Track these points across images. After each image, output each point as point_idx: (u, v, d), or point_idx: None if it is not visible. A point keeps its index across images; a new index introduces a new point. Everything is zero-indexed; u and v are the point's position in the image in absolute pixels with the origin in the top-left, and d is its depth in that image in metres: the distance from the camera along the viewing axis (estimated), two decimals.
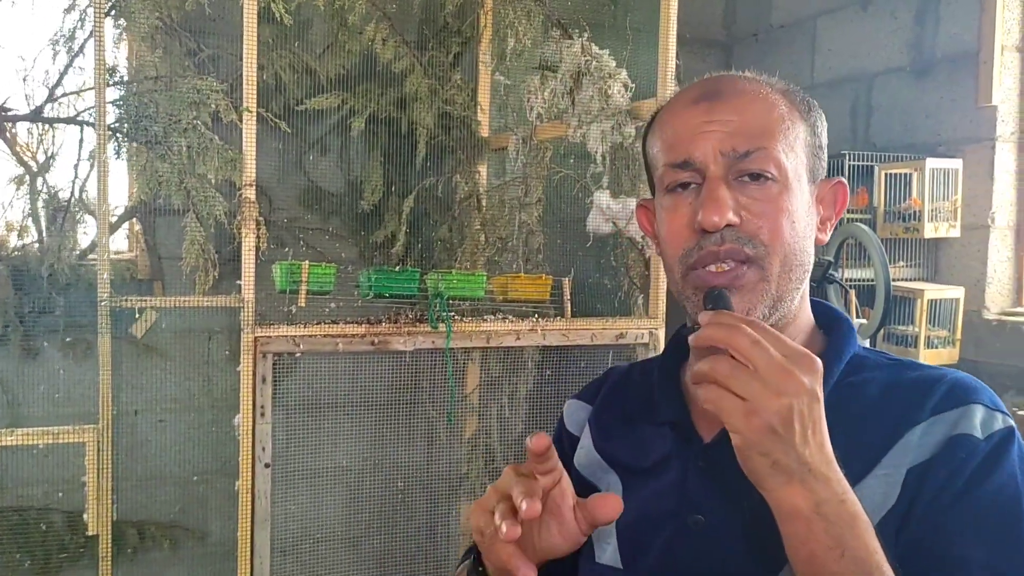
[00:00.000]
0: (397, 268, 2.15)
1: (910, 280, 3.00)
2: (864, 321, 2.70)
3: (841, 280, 2.78)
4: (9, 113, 2.28)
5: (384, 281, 2.03)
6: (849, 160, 2.99)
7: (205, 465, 3.15)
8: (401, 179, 3.18)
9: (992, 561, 0.73)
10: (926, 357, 2.88)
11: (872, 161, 3.01)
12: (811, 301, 0.94)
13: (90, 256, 2.93)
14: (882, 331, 2.97)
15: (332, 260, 3.26)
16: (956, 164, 2.87)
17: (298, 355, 1.94)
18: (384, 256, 3.10)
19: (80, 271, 2.86)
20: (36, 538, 2.91)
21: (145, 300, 2.05)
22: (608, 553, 0.90)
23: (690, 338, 0.75)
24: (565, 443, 1.04)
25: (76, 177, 2.69)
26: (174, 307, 2.09)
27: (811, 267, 0.89)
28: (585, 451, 1.00)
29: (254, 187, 1.89)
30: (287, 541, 2.42)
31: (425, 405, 2.59)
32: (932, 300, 2.85)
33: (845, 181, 0.92)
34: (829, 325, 0.93)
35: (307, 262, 1.95)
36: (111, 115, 1.99)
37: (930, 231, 2.85)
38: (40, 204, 2.78)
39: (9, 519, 2.94)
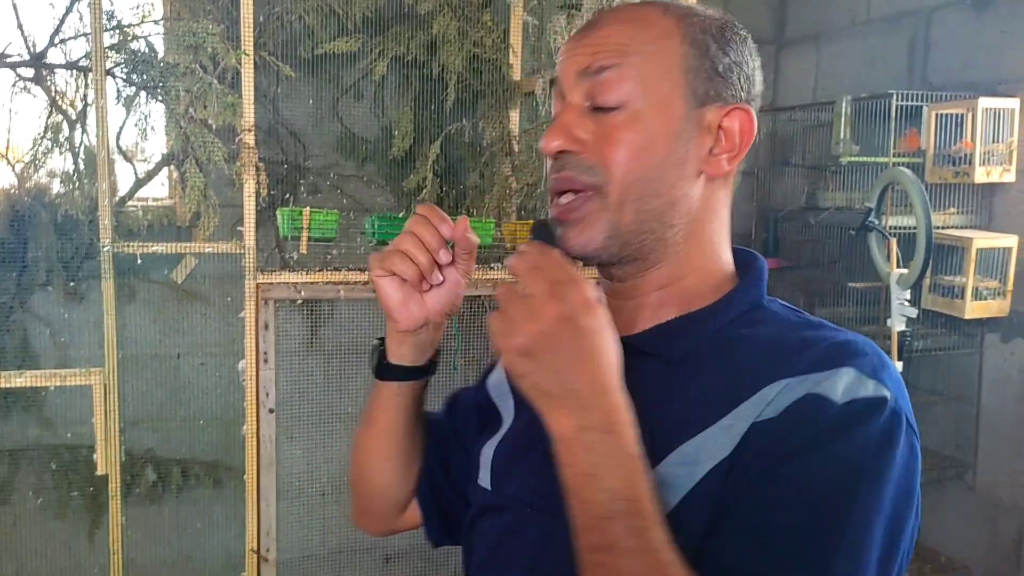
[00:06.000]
0: (401, 215, 2.13)
1: (960, 228, 2.84)
2: (905, 271, 2.57)
3: (882, 228, 2.65)
4: (9, 59, 2.30)
5: (388, 228, 2.01)
6: (897, 100, 2.84)
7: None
8: (434, 125, 3.14)
9: (801, 546, 0.68)
10: (974, 308, 2.75)
11: (922, 101, 2.84)
12: (735, 248, 0.88)
13: (128, 203, 3.00)
14: (928, 281, 2.84)
15: (368, 207, 3.27)
16: (1012, 104, 2.70)
17: (299, 302, 1.94)
18: (417, 203, 3.07)
19: (120, 217, 2.92)
20: (85, 473, 3.03)
21: (146, 246, 2.07)
22: (484, 474, 0.92)
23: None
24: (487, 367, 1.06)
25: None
26: (174, 252, 2.10)
27: (684, 202, 0.81)
28: (498, 374, 1.00)
29: (253, 132, 1.88)
30: (293, 486, 2.47)
31: None
32: (982, 249, 2.70)
33: (747, 107, 0.83)
34: (742, 274, 0.88)
35: (308, 208, 1.95)
36: (111, 60, 2.00)
37: (981, 175, 2.69)
38: (80, 152, 2.84)
39: (63, 457, 3.08)
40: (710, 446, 0.73)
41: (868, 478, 0.70)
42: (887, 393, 0.73)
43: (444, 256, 0.86)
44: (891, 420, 0.72)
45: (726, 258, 0.86)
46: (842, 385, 0.72)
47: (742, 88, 0.82)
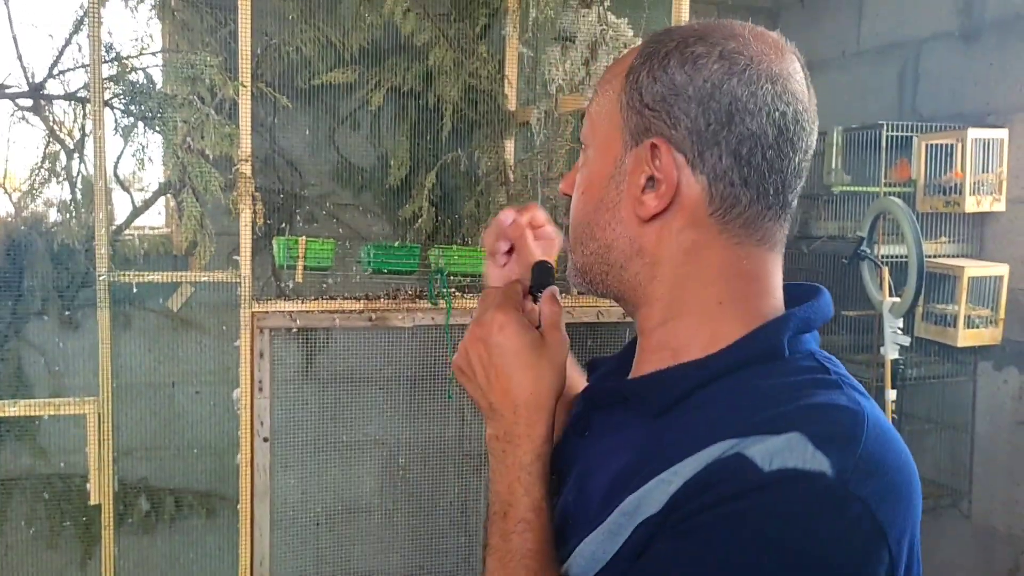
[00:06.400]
0: (396, 244, 2.14)
1: (951, 257, 2.87)
2: (897, 299, 2.59)
3: (875, 256, 2.67)
4: (8, 90, 2.33)
5: (383, 257, 2.03)
6: (887, 130, 2.87)
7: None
8: (430, 154, 3.17)
9: None
10: (966, 336, 2.76)
11: (912, 132, 2.87)
12: (790, 287, 0.81)
13: (125, 232, 3.01)
14: (920, 309, 2.85)
15: (364, 236, 3.28)
16: (1001, 134, 2.73)
17: (295, 330, 1.95)
18: (414, 232, 3.09)
19: (116, 246, 2.93)
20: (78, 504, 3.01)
21: (143, 275, 2.08)
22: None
23: None
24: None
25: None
26: (170, 281, 2.11)
27: (624, 245, 0.76)
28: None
29: (250, 162, 1.90)
30: (287, 515, 2.46)
31: (426, 382, 2.59)
32: (973, 278, 2.72)
33: (657, 139, 0.72)
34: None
35: (304, 237, 1.96)
36: (109, 91, 2.02)
37: (972, 205, 2.71)
38: (78, 182, 2.86)
39: (56, 486, 3.06)
40: (648, 499, 0.68)
41: (746, 556, 0.61)
42: (827, 469, 0.61)
43: (502, 246, 0.93)
44: (821, 499, 0.61)
45: (750, 305, 0.76)
46: (775, 450, 0.62)
47: (684, 117, 0.71)
